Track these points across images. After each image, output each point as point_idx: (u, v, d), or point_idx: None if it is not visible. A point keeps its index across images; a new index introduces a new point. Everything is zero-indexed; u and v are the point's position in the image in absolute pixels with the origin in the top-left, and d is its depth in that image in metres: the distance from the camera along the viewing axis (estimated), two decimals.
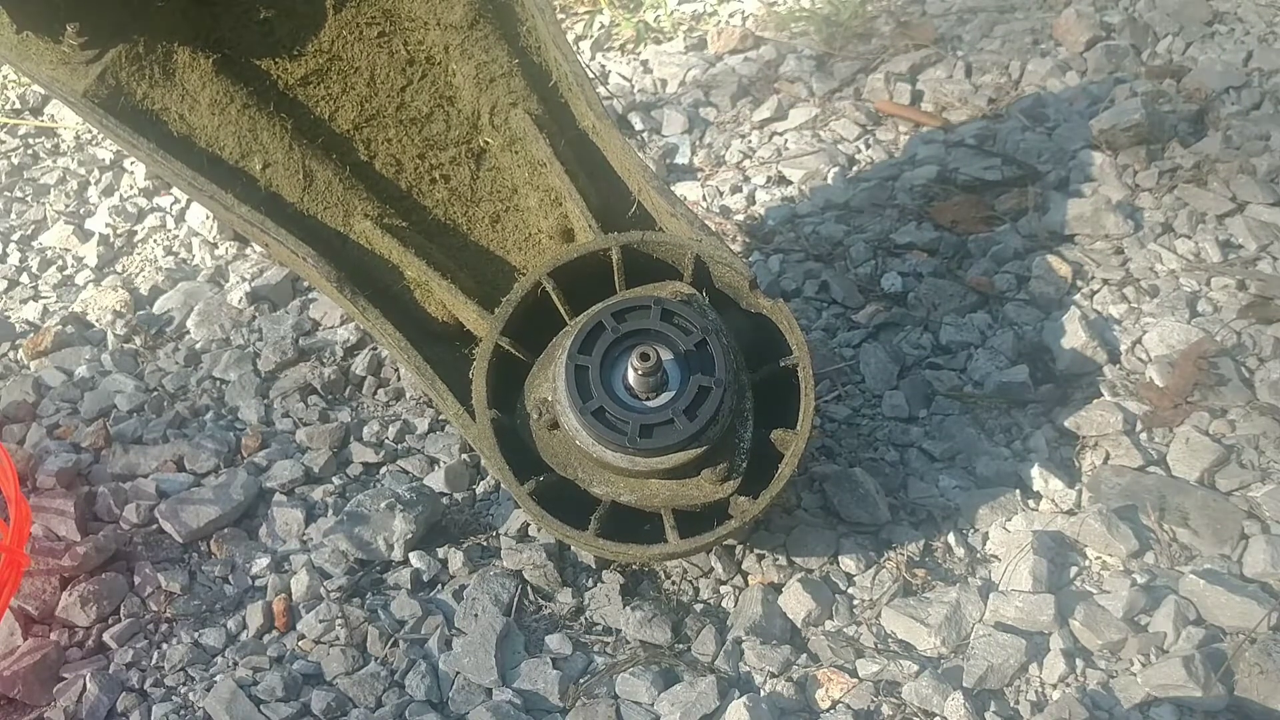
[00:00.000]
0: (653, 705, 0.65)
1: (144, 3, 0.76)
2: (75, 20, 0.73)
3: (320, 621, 0.71)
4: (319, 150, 0.77)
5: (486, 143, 0.79)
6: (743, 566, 0.73)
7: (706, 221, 0.79)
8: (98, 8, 0.75)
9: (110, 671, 0.69)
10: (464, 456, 0.82)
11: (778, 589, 0.71)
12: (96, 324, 0.97)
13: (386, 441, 0.83)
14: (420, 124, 0.80)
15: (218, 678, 0.68)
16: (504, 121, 0.78)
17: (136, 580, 0.74)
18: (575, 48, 1.31)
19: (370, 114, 0.80)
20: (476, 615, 0.70)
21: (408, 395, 0.87)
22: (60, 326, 0.96)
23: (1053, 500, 0.76)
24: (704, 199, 1.06)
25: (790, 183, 1.07)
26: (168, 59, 0.76)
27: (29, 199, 1.16)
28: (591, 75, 1.02)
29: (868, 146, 1.11)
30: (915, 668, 0.66)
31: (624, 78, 1.25)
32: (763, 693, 0.66)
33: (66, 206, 1.14)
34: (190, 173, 0.72)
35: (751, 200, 1.05)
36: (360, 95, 0.80)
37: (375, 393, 0.88)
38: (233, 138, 0.76)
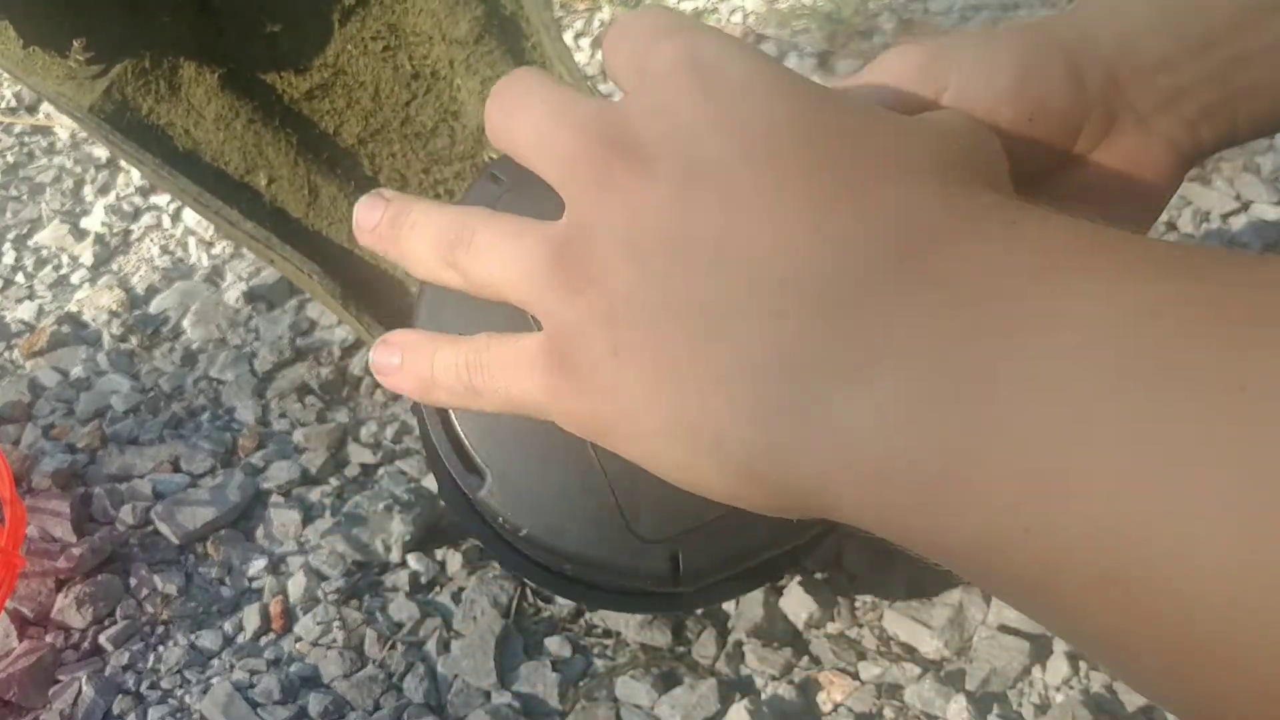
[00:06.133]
0: (653, 708, 0.65)
1: (150, 17, 0.76)
2: (81, 35, 0.73)
3: (317, 624, 0.70)
4: (324, 165, 0.77)
5: (491, 158, 0.79)
6: None
7: None
8: (104, 23, 0.74)
9: (106, 674, 0.69)
10: None
11: (779, 591, 0.71)
12: (92, 323, 0.97)
13: (384, 442, 0.83)
14: (425, 139, 0.80)
15: (214, 680, 0.68)
16: None
17: (132, 582, 0.74)
18: (575, 45, 1.30)
19: (375, 129, 0.80)
20: (475, 618, 0.70)
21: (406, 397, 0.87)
22: (56, 326, 0.95)
23: None
24: None
25: None
26: (173, 73, 0.76)
27: (24, 198, 1.15)
28: (591, 76, 1.01)
29: None
30: (918, 670, 0.66)
31: None
32: (764, 695, 0.66)
33: (62, 205, 1.13)
34: (195, 188, 0.72)
35: None
36: (365, 110, 0.80)
37: (373, 393, 0.87)
38: (238, 153, 0.75)
